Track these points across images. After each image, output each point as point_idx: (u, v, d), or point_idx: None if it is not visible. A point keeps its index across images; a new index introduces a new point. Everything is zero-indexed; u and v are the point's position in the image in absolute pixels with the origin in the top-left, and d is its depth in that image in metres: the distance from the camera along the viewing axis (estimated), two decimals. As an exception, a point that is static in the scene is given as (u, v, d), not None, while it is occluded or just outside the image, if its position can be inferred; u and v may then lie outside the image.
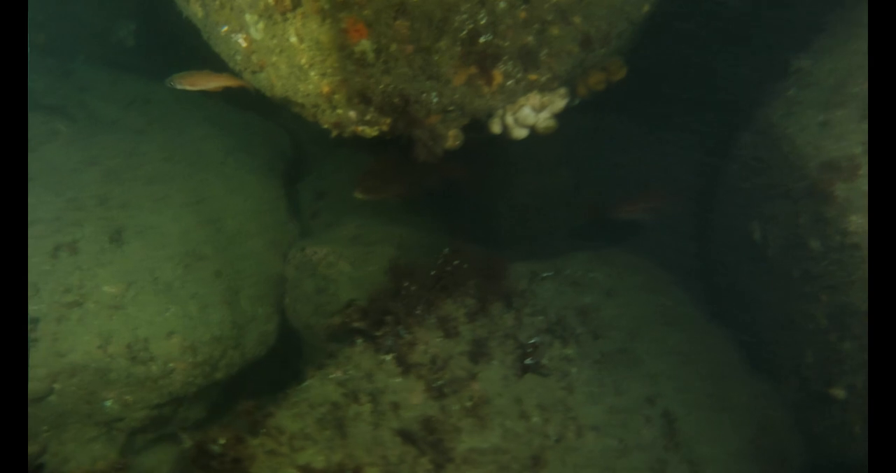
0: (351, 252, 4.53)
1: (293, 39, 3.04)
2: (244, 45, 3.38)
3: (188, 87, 3.83)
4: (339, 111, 3.04)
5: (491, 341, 3.23)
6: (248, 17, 3.22)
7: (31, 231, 3.94)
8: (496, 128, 3.33)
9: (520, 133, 3.31)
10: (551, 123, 3.35)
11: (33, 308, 3.74)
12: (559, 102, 3.31)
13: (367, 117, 2.98)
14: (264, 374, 4.63)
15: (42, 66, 5.21)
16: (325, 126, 3.12)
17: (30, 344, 3.63)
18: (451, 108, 2.98)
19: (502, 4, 2.85)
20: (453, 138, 3.19)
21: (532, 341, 3.26)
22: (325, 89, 3.04)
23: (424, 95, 2.92)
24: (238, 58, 3.50)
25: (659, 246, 4.51)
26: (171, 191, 4.56)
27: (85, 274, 3.93)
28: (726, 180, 4.24)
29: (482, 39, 2.89)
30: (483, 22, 2.85)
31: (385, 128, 3.00)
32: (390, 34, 2.76)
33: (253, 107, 5.58)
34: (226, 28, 3.36)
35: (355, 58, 2.84)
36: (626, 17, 3.19)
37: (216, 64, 3.68)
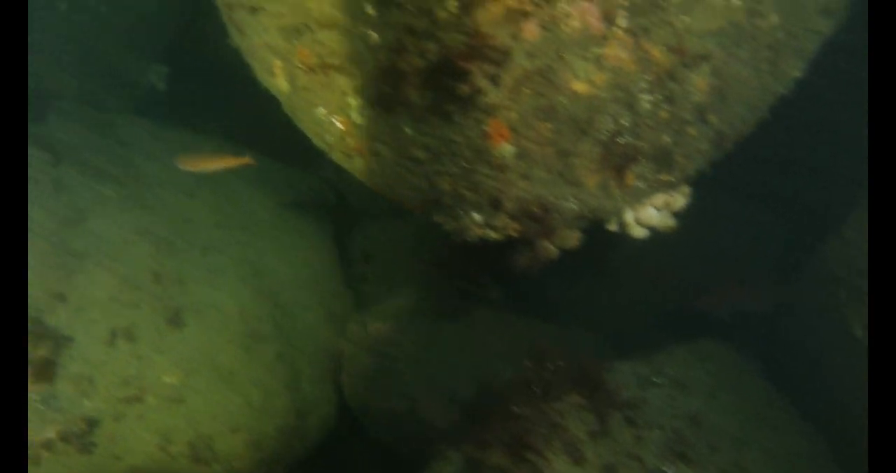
0: (415, 329, 4.26)
1: (408, 131, 2.78)
2: (341, 127, 3.12)
3: (191, 169, 4.03)
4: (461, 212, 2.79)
5: (619, 468, 2.97)
6: (352, 101, 2.96)
7: (87, 315, 3.60)
8: (613, 226, 3.10)
9: (639, 232, 3.08)
10: (672, 223, 3.12)
11: (90, 406, 3.40)
12: (681, 201, 3.09)
13: (496, 222, 2.74)
14: (321, 457, 4.33)
15: (79, 117, 4.88)
16: (443, 225, 2.87)
17: (88, 448, 3.29)
18: (585, 214, 2.75)
19: (646, 105, 2.63)
20: (574, 240, 2.96)
21: (663, 470, 3.00)
22: (444, 187, 2.78)
23: (561, 202, 2.68)
24: (329, 138, 3.24)
25: (732, 332, 4.31)
26: (226, 261, 4.26)
27: (143, 363, 3.61)
28: (824, 265, 4.05)
29: (622, 141, 2.67)
30: (626, 123, 2.63)
31: (514, 233, 2.75)
32: (532, 137, 2.52)
33: (292, 159, 5.32)
34: (322, 110, 3.09)
35: (492, 161, 2.59)
36: (759, 111, 2.99)
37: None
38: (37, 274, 3.57)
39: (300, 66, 3.15)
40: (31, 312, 3.46)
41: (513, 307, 4.23)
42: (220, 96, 6.21)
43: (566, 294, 4.32)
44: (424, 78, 2.49)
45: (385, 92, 2.74)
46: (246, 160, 4.18)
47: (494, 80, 2.41)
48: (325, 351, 4.35)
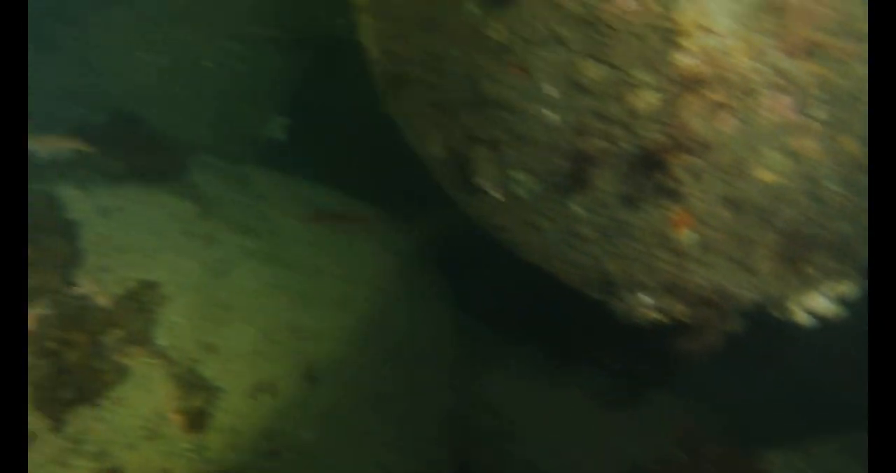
0: (542, 395, 4.21)
1: (579, 210, 2.81)
2: (500, 197, 3.18)
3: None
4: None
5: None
6: (514, 174, 3.01)
7: (234, 367, 3.71)
8: (777, 312, 3.03)
9: (804, 319, 3.00)
10: (839, 310, 3.03)
11: (234, 458, 3.47)
12: (851, 288, 3.01)
13: (669, 307, 2.72)
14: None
15: (218, 169, 5.11)
16: (606, 304, 2.87)
17: (233, 502, 3.35)
18: (759, 301, 2.71)
19: (833, 195, 2.60)
20: (739, 325, 2.91)
21: None
22: (612, 268, 2.79)
23: (738, 289, 2.65)
24: (480, 207, 3.29)
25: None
26: (356, 319, 4.34)
27: (282, 417, 3.68)
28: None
29: (804, 230, 2.63)
30: (810, 213, 2.60)
31: (685, 318, 2.73)
32: (716, 225, 2.52)
33: (415, 214, 5.41)
34: (479, 180, 3.16)
35: (672, 247, 2.59)
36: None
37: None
38: (192, 324, 3.72)
39: (458, 135, 3.25)
40: (186, 362, 3.59)
41: (656, 385, 4.15)
42: (342, 150, 6.44)
43: (716, 377, 4.22)
44: (612, 163, 2.53)
45: (559, 170, 2.79)
46: (366, 216, 4.29)
47: (690, 171, 2.43)
48: (448, 411, 4.34)
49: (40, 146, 4.45)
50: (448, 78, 3.07)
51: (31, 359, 3.40)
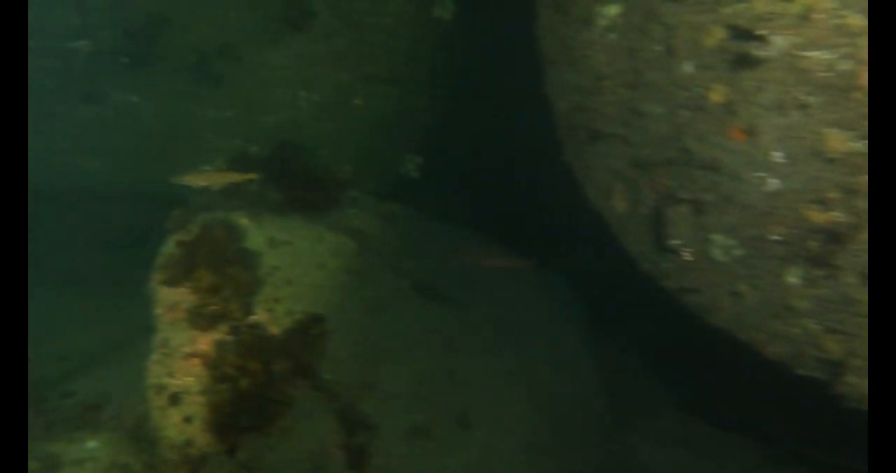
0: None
1: (793, 279, 2.69)
2: (688, 257, 3.09)
3: (192, 183, 4.15)
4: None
5: None
6: (717, 237, 2.92)
7: (391, 407, 3.72)
8: None
9: None
10: None
11: (393, 501, 3.46)
12: None
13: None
14: None
15: (368, 206, 5.23)
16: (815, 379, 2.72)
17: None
18: None
19: None
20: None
21: None
22: (835, 347, 2.64)
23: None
24: (666, 266, 3.21)
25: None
26: (503, 365, 4.30)
27: (437, 462, 3.65)
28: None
29: None
30: None
31: None
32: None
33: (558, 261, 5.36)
34: (675, 240, 3.09)
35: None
36: None
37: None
38: (353, 361, 3.77)
39: (652, 193, 3.20)
40: (347, 398, 3.63)
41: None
42: (469, 189, 6.51)
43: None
44: (853, 237, 2.42)
45: (774, 238, 2.70)
46: (522, 262, 4.27)
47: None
48: (597, 470, 4.22)
49: (203, 177, 4.68)
50: (649, 135, 3.05)
51: (210, 383, 3.52)
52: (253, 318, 3.71)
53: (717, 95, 2.70)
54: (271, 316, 3.75)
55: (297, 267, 4.08)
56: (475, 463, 3.71)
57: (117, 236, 6.16)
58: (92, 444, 3.89)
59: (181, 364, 3.62)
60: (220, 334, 3.64)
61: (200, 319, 3.67)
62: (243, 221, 4.16)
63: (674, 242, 3.05)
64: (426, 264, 4.87)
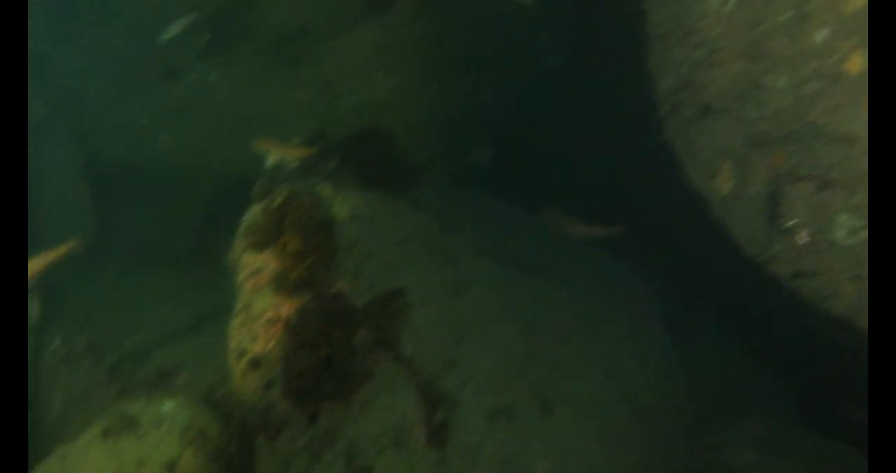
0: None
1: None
2: (800, 241, 2.91)
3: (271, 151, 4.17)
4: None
5: None
6: (843, 218, 2.74)
7: (472, 386, 3.62)
8: None
9: None
10: None
11: (473, 480, 3.34)
12: None
13: None
14: None
15: (445, 189, 5.16)
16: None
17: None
18: None
19: None
20: None
21: None
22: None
23: None
24: (777, 249, 3.03)
25: None
26: (585, 354, 4.16)
27: (519, 446, 3.52)
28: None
29: None
30: None
31: None
32: None
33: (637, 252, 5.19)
34: (794, 221, 2.91)
35: None
36: None
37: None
38: (434, 337, 3.68)
39: (766, 171, 3.04)
40: (429, 373, 3.54)
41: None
42: (543, 182, 6.38)
43: None
44: None
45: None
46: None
47: None
48: (668, 466, 4.03)
49: (282, 148, 4.68)
50: (768, 110, 2.89)
51: (292, 349, 3.47)
52: (336, 288, 3.65)
53: (854, 66, 2.53)
54: (353, 286, 3.70)
55: (379, 241, 4.02)
56: (557, 450, 3.57)
57: (193, 215, 6.21)
58: (168, 406, 3.88)
59: (263, 329, 3.58)
60: (303, 301, 3.59)
61: (284, 285, 3.63)
62: (327, 192, 4.12)
63: (791, 223, 2.88)
64: (505, 247, 4.77)
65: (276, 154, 5.00)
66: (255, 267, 3.79)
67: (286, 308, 3.60)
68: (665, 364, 4.37)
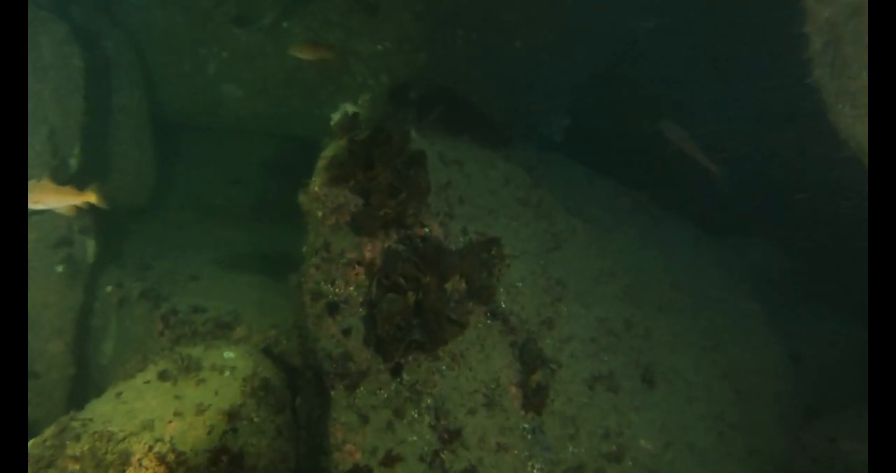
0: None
1: None
2: None
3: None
4: None
5: None
6: None
7: (570, 349, 3.23)
8: None
9: None
10: None
11: (573, 452, 2.95)
12: None
13: None
14: None
15: (531, 150, 4.78)
16: None
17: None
18: None
19: None
20: None
21: None
22: None
23: None
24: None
25: None
26: (683, 326, 3.75)
27: (621, 417, 3.14)
28: None
29: None
30: None
31: None
32: None
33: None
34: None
35: None
36: None
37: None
38: (531, 293, 3.31)
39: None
40: (525, 332, 3.16)
41: None
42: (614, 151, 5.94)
43: None
44: None
45: None
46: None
47: None
48: (778, 455, 3.60)
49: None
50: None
51: (377, 294, 3.12)
52: (427, 229, 3.29)
53: None
54: (445, 231, 3.33)
55: (469, 187, 3.66)
56: (659, 427, 3.17)
57: (256, 169, 5.94)
58: (230, 354, 3.58)
59: (343, 270, 3.24)
60: (390, 241, 3.24)
61: (369, 223, 3.27)
62: (413, 134, 3.77)
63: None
64: (596, 211, 4.37)
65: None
66: (335, 203, 3.45)
67: (371, 248, 3.25)
68: (770, 347, 3.93)
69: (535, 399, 2.96)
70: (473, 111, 4.77)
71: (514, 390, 2.99)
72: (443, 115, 4.46)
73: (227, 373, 3.43)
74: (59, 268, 4.48)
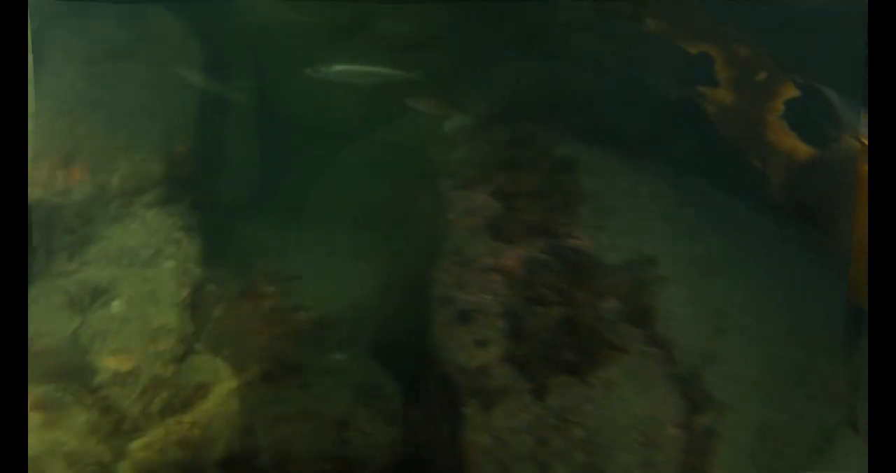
0: None
1: None
2: None
3: None
4: None
5: None
6: None
7: (736, 388, 2.75)
8: None
9: None
10: None
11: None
12: None
13: None
14: None
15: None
16: None
17: None
18: None
19: None
20: None
21: None
22: None
23: None
24: None
25: None
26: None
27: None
28: None
29: None
30: None
31: None
32: None
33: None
34: None
35: None
36: None
37: None
38: (689, 321, 2.87)
39: None
40: (687, 365, 2.71)
41: None
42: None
43: None
44: None
45: None
46: None
47: None
48: None
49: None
50: None
51: (520, 305, 2.75)
52: (576, 240, 2.91)
53: None
54: (596, 244, 2.95)
55: (618, 198, 3.28)
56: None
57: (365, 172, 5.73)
58: (339, 356, 3.28)
59: (478, 276, 2.89)
60: (533, 250, 2.88)
61: (509, 228, 2.93)
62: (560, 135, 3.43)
63: None
64: (747, 237, 3.88)
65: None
66: (471, 205, 3.13)
67: (509, 255, 2.90)
68: None
69: (701, 446, 2.50)
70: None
71: (676, 432, 2.53)
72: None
73: (333, 379, 3.13)
74: (169, 264, 4.37)
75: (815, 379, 3.02)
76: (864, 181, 2.69)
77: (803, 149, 2.79)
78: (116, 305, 3.61)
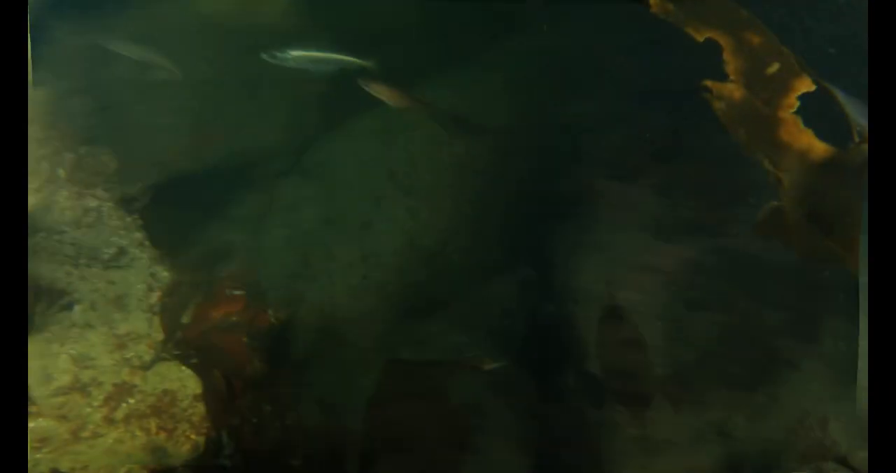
0: None
1: None
2: None
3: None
4: None
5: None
6: None
7: None
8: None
9: None
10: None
11: None
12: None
13: None
14: None
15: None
16: None
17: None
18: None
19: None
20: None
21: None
22: None
23: None
24: None
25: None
26: None
27: None
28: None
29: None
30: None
31: None
32: None
33: None
34: None
35: None
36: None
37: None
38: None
39: None
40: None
41: None
42: None
43: None
44: None
45: None
46: None
47: None
48: None
49: None
50: None
51: (675, 308, 2.63)
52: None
53: None
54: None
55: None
56: None
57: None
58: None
59: (630, 275, 2.78)
60: (693, 252, 2.74)
61: (667, 226, 2.81)
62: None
63: None
64: None
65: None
66: (618, 198, 3.02)
67: (666, 254, 2.79)
68: None
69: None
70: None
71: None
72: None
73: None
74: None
75: None
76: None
77: (819, 148, 2.40)
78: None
